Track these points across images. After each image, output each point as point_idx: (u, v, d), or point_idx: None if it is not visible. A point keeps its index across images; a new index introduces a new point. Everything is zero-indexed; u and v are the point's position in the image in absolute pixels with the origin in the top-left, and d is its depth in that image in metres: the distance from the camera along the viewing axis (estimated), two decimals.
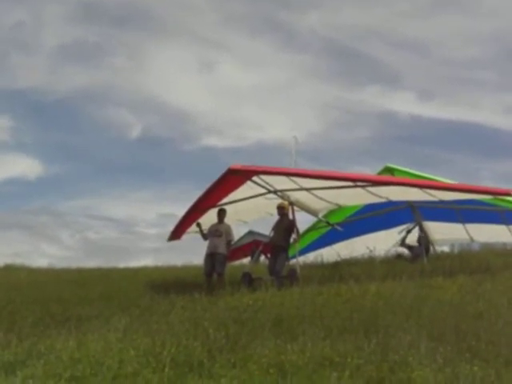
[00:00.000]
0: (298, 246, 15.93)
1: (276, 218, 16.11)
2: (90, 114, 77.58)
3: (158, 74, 78.04)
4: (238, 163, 14.16)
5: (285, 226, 15.54)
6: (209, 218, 16.37)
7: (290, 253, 15.83)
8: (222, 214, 15.99)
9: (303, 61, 77.71)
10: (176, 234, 17.88)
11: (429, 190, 14.70)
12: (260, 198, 16.03)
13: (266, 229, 20.77)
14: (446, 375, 7.10)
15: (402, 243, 18.96)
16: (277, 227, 15.68)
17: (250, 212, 17.38)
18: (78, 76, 76.03)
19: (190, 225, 17.09)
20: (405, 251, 19.07)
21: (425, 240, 18.55)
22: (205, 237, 16.00)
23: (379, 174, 19.19)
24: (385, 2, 76.79)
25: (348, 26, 75.40)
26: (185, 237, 18.21)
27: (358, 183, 14.68)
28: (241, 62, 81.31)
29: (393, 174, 18.81)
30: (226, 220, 16.07)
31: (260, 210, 17.36)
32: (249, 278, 15.12)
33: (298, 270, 14.88)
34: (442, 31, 74.07)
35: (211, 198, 15.70)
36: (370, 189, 14.99)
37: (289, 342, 8.66)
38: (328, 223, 18.77)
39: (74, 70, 76.75)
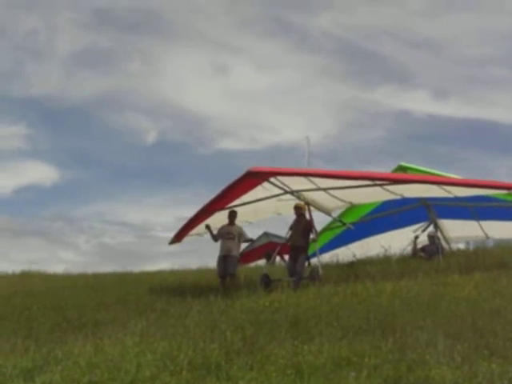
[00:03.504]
0: (317, 246, 15.90)
1: (286, 217, 16.22)
2: (105, 120, 77.90)
3: (172, 78, 78.17)
4: (253, 166, 14.24)
5: (303, 226, 15.53)
6: (214, 221, 16.49)
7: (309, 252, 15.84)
8: (233, 215, 16.02)
9: (316, 62, 77.64)
10: (179, 236, 17.96)
11: (445, 187, 14.66)
12: (269, 198, 16.08)
13: (278, 230, 20.80)
14: (464, 373, 7.06)
15: (414, 251, 18.82)
16: (295, 228, 15.65)
17: (255, 213, 17.35)
18: (92, 82, 76.35)
19: (194, 227, 17.18)
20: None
21: (436, 239, 18.51)
22: (215, 238, 16.04)
23: (393, 172, 19.14)
24: (397, 1, 76.73)
25: (361, 26, 75.14)
26: (193, 239, 18.37)
27: (377, 182, 14.71)
28: (254, 64, 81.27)
29: (406, 173, 18.76)
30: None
31: (267, 210, 17.37)
32: (267, 279, 15.11)
33: (320, 270, 14.86)
34: (455, 30, 73.78)
35: (224, 199, 15.78)
36: (386, 187, 15.00)
37: (306, 342, 8.65)
38: (342, 222, 18.75)
39: (88, 76, 77.20)
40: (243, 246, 18.79)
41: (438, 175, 17.33)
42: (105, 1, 75.12)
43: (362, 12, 76.11)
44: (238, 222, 16.29)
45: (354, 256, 19.33)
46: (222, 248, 15.76)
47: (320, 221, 19.28)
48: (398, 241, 18.96)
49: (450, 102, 74.85)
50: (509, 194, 16.14)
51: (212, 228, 16.20)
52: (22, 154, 73.05)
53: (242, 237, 15.92)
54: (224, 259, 15.56)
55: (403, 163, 19.19)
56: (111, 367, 8.13)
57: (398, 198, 16.01)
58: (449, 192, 14.95)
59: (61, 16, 73.02)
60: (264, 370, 7.70)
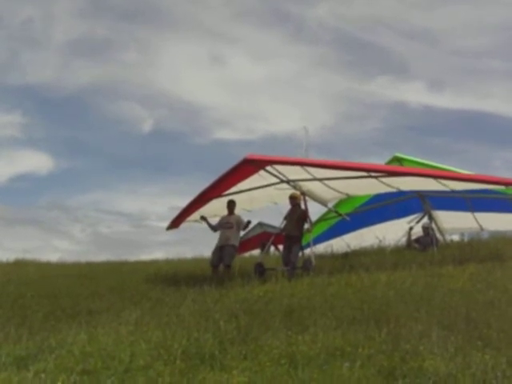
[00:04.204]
0: (311, 236, 15.91)
1: (281, 207, 16.31)
2: (101, 109, 77.42)
3: (169, 68, 77.86)
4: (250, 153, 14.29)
5: (297, 216, 15.58)
6: (211, 208, 16.54)
7: (303, 242, 15.85)
8: (231, 205, 16.08)
9: (313, 52, 77.45)
10: (176, 223, 17.99)
11: (441, 180, 14.63)
12: (265, 187, 16.09)
13: (273, 220, 20.76)
14: (458, 364, 7.07)
15: (409, 243, 18.84)
16: (290, 217, 15.71)
17: (251, 201, 17.34)
18: (88, 71, 75.96)
19: (190, 214, 17.22)
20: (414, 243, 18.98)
21: (431, 230, 18.53)
22: (214, 229, 16.08)
23: (388, 163, 19.09)
24: None
25: (357, 17, 75.10)
26: (189, 228, 18.47)
27: (372, 174, 14.70)
28: (251, 54, 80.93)
29: (402, 164, 18.74)
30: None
31: (262, 199, 17.34)
32: (261, 268, 15.14)
33: (314, 260, 14.89)
34: (451, 21, 73.62)
35: (221, 186, 15.82)
36: (382, 179, 14.99)
37: (300, 332, 8.67)
38: (337, 213, 18.73)
39: (84, 65, 76.55)
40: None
41: (433, 167, 17.31)
42: None
43: (359, 3, 76.09)
44: (236, 210, 16.30)
45: (349, 247, 19.33)
46: (221, 238, 15.84)
47: (315, 211, 19.28)
48: (392, 232, 18.98)
49: (446, 93, 74.85)
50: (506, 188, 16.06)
51: (209, 216, 16.26)
52: (18, 143, 72.77)
53: (240, 225, 15.97)
54: (221, 249, 15.61)
55: (398, 154, 19.17)
56: (105, 356, 8.13)
57: (394, 190, 15.99)
58: (445, 186, 14.92)
59: (57, 4, 72.86)
60: (258, 360, 7.70)
